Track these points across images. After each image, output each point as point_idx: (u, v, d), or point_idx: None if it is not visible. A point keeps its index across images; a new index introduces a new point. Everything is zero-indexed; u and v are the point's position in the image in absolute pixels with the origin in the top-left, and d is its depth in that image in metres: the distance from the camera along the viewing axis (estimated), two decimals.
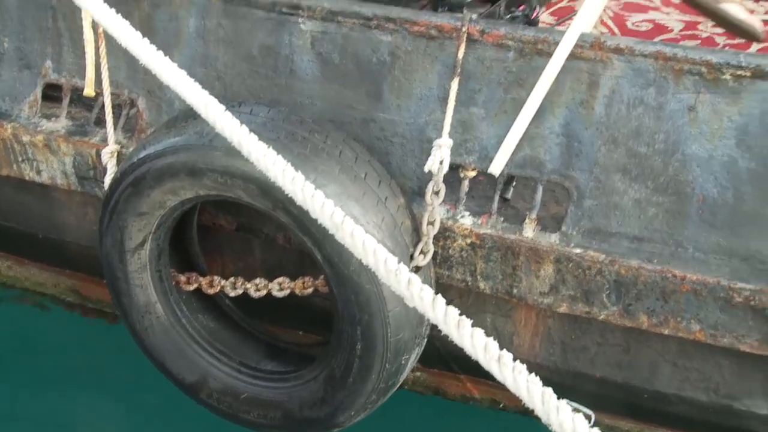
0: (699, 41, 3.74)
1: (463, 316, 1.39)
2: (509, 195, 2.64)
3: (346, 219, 1.46)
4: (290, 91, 2.70)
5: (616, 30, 3.89)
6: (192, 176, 2.50)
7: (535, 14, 3.01)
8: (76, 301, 3.82)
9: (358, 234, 1.45)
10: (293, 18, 2.62)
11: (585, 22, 2.42)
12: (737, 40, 3.76)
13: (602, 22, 3.89)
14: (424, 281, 2.49)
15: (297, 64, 2.67)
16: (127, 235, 2.71)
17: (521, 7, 3.11)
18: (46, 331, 3.76)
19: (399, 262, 1.42)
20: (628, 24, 3.91)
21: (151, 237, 2.73)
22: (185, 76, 1.86)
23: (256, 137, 1.71)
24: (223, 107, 1.79)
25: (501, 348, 1.41)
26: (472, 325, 1.43)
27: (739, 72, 2.23)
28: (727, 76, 2.25)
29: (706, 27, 3.86)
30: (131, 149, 2.77)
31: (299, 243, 2.53)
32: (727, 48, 3.65)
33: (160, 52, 1.90)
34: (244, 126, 1.75)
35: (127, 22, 1.98)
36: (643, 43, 2.36)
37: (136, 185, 2.59)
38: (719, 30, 3.84)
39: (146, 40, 1.92)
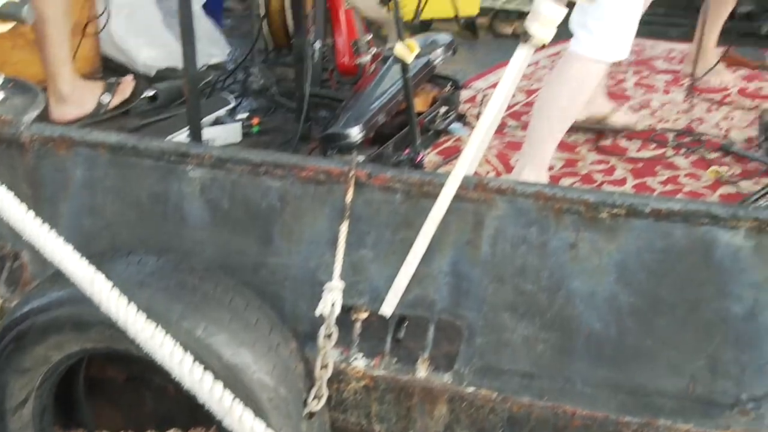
0: (579, 177, 3.90)
1: None
2: (401, 335, 2.64)
3: (225, 394, 1.46)
4: (180, 239, 2.68)
5: (500, 168, 4.03)
6: (78, 330, 2.43)
7: (419, 157, 3.10)
8: None
9: (235, 410, 1.45)
10: (182, 166, 2.62)
11: (468, 163, 2.50)
12: (614, 176, 3.94)
13: (486, 161, 4.04)
14: (319, 426, 2.49)
15: (186, 211, 2.66)
16: (8, 393, 2.59)
17: (406, 151, 3.21)
18: None
19: None
20: (511, 162, 4.06)
21: (35, 394, 2.61)
22: (69, 252, 1.80)
23: (135, 309, 1.68)
24: (109, 285, 1.75)
25: None
26: None
27: (614, 211, 2.31)
28: (604, 215, 2.32)
29: (585, 164, 4.04)
30: (14, 303, 2.69)
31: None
32: (605, 184, 3.82)
33: (45, 227, 1.84)
34: (131, 305, 1.71)
35: (5, 191, 1.90)
36: (524, 184, 2.44)
37: (18, 341, 2.50)
38: (598, 167, 4.03)
39: (31, 215, 1.85)
